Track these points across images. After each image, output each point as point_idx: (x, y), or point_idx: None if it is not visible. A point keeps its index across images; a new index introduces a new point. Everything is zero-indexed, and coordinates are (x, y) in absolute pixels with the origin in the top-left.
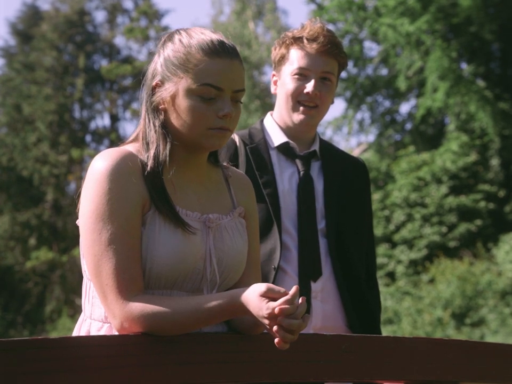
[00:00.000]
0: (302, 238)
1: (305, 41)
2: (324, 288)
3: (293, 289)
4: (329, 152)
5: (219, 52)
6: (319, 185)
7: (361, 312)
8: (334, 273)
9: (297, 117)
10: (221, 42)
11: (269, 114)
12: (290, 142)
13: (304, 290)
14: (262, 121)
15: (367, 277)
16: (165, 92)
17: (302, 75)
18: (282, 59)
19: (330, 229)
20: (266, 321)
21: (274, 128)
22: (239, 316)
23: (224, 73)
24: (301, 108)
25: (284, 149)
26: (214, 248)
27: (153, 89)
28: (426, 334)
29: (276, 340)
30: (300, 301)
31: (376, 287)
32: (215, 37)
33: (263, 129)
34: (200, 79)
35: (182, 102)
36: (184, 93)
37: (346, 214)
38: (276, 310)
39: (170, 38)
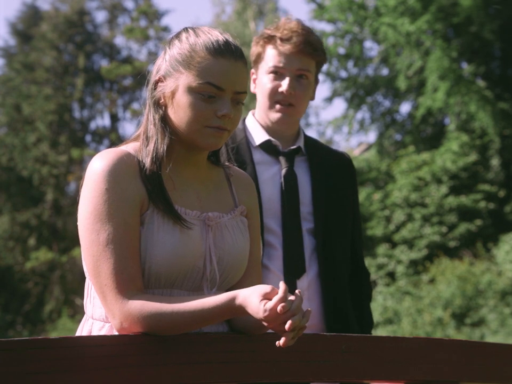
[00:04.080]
0: (286, 236)
1: (278, 41)
2: (310, 287)
3: (281, 287)
4: (314, 148)
5: (223, 51)
6: (305, 182)
7: (340, 311)
8: (320, 271)
9: (274, 115)
10: (226, 43)
11: (250, 113)
12: (272, 139)
13: (290, 288)
14: (244, 120)
15: (355, 269)
16: (166, 87)
17: (277, 73)
18: (259, 58)
19: (318, 226)
20: (265, 323)
21: (256, 127)
22: (239, 316)
23: (227, 73)
24: (277, 106)
25: (266, 146)
26: (214, 247)
27: (156, 84)
28: (426, 334)
29: (282, 342)
30: (293, 297)
31: (366, 274)
32: (221, 37)
33: (244, 128)
34: (201, 77)
35: (182, 98)
36: (185, 89)
37: (333, 212)
38: (279, 309)
39: (177, 36)
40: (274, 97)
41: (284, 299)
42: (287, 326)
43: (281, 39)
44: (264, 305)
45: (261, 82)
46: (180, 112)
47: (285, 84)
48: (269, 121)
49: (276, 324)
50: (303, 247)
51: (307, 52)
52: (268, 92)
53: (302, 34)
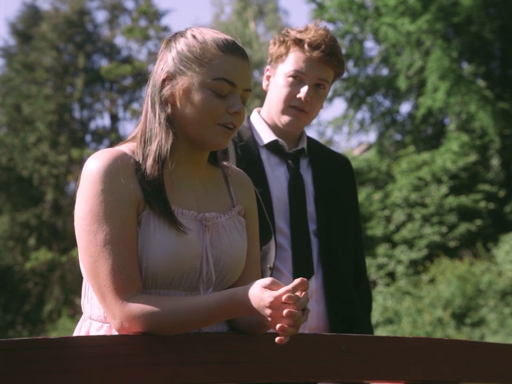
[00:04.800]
0: (295, 237)
1: (306, 46)
2: (318, 288)
3: (297, 280)
4: (316, 150)
5: (233, 49)
6: (309, 183)
7: (346, 313)
8: (326, 273)
9: (286, 118)
10: (234, 41)
11: (255, 111)
12: (279, 140)
13: None
14: (248, 118)
15: (355, 275)
16: (177, 85)
17: (297, 78)
18: (280, 58)
19: (322, 229)
20: (267, 312)
21: (262, 126)
22: (239, 315)
23: (238, 70)
24: (291, 111)
25: (273, 147)
26: (211, 247)
27: (163, 83)
28: (426, 334)
29: (277, 339)
30: (302, 293)
31: (366, 284)
32: (227, 36)
33: (250, 126)
34: (215, 73)
35: (195, 96)
36: (198, 86)
37: (335, 214)
38: (284, 297)
39: (182, 34)
40: (290, 102)
41: (291, 291)
42: (285, 311)
43: (310, 45)
44: (268, 293)
45: (278, 83)
46: (191, 109)
47: (303, 91)
48: (279, 122)
49: (277, 316)
50: (311, 249)
51: (331, 63)
52: (285, 95)
53: (330, 44)
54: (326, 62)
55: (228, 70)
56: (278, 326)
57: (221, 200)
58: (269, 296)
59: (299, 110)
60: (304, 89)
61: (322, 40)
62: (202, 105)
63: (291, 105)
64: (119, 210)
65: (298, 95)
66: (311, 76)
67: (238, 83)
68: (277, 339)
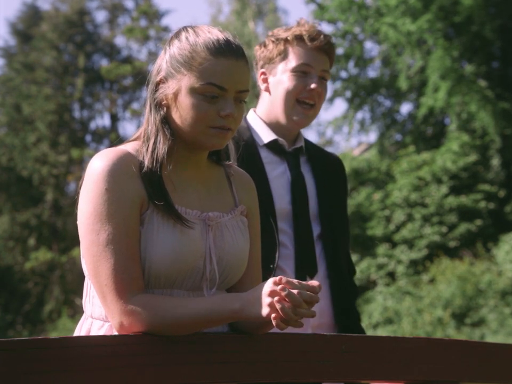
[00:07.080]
0: (298, 236)
1: (306, 38)
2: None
3: (312, 282)
4: (311, 149)
5: (224, 51)
6: (310, 182)
7: (347, 309)
8: (329, 270)
9: (294, 116)
10: (227, 42)
11: (251, 110)
12: (279, 139)
13: None
14: (245, 117)
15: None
16: (168, 89)
17: (304, 72)
18: (278, 56)
19: (325, 227)
20: (273, 299)
21: (261, 125)
22: (240, 319)
23: (229, 73)
24: (300, 108)
25: (272, 146)
26: (214, 247)
27: (157, 85)
28: (426, 334)
29: (273, 315)
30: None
31: (353, 279)
32: (221, 36)
33: (248, 126)
34: (204, 78)
35: (185, 100)
36: (187, 90)
37: (334, 211)
38: (283, 280)
39: (177, 35)
40: (299, 96)
41: (298, 282)
42: (272, 280)
43: (309, 36)
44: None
45: (282, 81)
46: (183, 113)
47: (314, 82)
48: (285, 120)
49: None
50: (314, 246)
51: (330, 52)
52: (293, 90)
53: (325, 34)
54: (326, 51)
55: (218, 74)
56: (273, 315)
57: (223, 199)
58: (274, 282)
59: (308, 104)
60: (314, 81)
61: (318, 31)
62: (192, 110)
63: (298, 98)
64: (122, 210)
65: (311, 86)
66: (317, 67)
67: (229, 86)
68: (274, 318)
